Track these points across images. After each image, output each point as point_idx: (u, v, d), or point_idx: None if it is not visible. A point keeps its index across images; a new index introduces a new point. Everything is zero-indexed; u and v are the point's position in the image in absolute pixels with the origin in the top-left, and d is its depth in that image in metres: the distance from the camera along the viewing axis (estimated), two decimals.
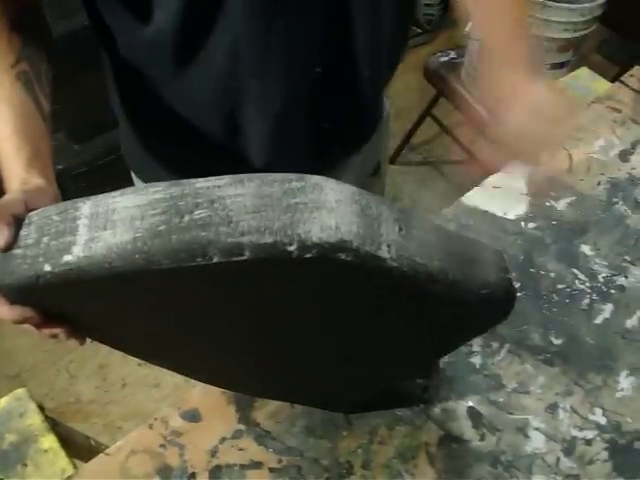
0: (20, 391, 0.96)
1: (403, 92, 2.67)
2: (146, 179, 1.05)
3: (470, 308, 0.60)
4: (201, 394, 0.89)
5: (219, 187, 0.52)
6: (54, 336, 0.66)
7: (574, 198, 1.12)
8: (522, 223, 1.09)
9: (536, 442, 0.85)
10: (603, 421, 0.87)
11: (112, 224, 0.52)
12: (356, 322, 0.62)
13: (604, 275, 1.02)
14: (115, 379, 2.05)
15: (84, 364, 2.08)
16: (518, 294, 0.98)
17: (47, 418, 0.95)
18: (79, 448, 1.04)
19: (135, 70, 0.86)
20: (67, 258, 0.52)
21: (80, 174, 2.11)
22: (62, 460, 0.88)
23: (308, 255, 0.48)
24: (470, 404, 0.88)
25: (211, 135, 0.90)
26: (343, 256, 0.49)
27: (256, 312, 0.60)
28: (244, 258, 0.49)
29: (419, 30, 3.05)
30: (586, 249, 1.05)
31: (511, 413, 0.88)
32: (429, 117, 2.43)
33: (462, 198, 1.13)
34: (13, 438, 0.90)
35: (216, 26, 0.78)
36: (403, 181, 2.57)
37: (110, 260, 0.51)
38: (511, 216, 1.10)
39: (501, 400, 0.89)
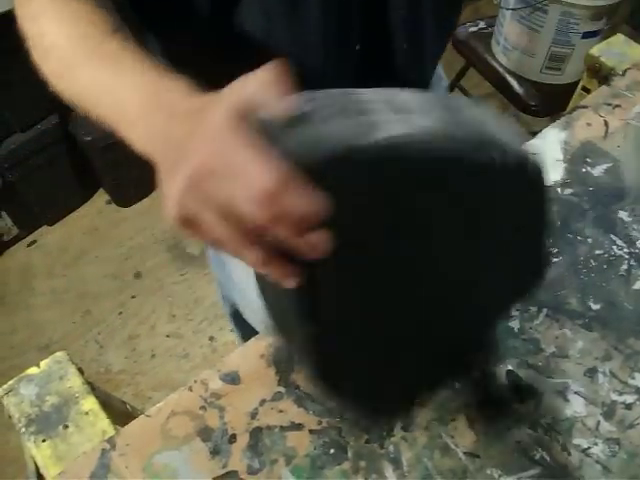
0: (59, 354, 0.96)
1: None
2: None
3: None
4: (240, 357, 0.90)
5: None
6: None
7: (611, 165, 1.11)
8: (558, 189, 1.08)
9: (576, 406, 0.85)
10: None
11: (408, 110, 0.48)
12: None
13: None
14: (144, 350, 2.08)
15: (113, 335, 2.10)
16: (555, 259, 0.98)
17: (87, 382, 0.96)
18: (116, 413, 1.05)
19: (173, 28, 0.83)
20: (384, 134, 0.46)
21: (108, 146, 2.11)
22: (103, 422, 0.89)
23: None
24: (509, 367, 0.88)
25: None
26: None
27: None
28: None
29: None
30: (624, 215, 1.04)
31: (550, 377, 0.87)
32: (457, 89, 2.41)
33: None
34: (54, 400, 0.90)
35: None
36: None
37: (430, 140, 0.47)
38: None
39: (540, 364, 0.88)
